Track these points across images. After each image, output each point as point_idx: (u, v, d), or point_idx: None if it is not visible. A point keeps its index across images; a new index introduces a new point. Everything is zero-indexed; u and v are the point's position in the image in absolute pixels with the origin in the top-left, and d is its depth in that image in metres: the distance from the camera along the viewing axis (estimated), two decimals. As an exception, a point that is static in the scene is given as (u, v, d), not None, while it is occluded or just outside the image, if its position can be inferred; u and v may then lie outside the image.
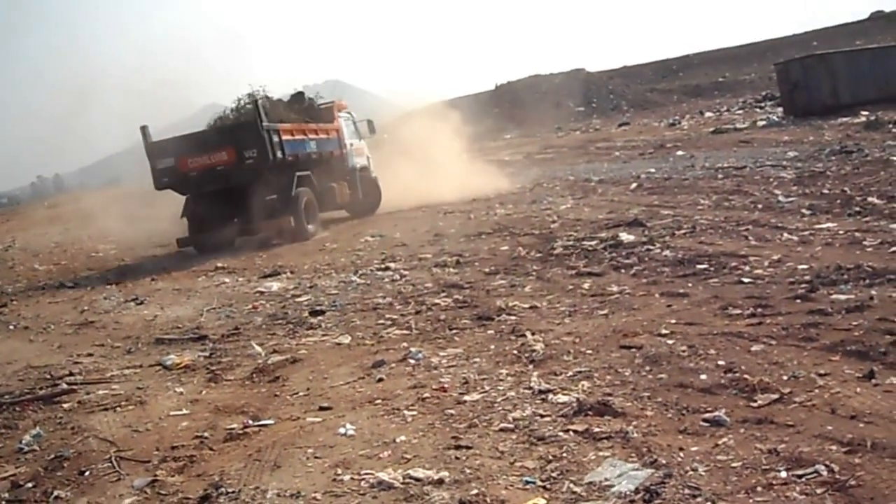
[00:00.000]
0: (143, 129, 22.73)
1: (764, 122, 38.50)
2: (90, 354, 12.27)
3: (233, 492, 6.45)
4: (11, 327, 15.93)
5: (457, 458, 6.49)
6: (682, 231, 14.59)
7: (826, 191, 17.29)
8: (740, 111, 51.56)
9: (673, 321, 9.39)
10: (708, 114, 52.67)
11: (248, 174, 22.29)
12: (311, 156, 24.59)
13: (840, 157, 22.26)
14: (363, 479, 6.33)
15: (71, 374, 11.09)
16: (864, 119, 30.85)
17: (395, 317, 11.66)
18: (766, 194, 17.72)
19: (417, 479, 6.15)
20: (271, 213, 22.56)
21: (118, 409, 9.25)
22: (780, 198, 17.02)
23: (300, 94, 27.07)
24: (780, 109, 42.99)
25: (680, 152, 29.36)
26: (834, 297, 9.49)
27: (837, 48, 45.04)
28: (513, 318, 10.59)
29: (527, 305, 11.11)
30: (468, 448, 6.64)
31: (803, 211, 15.38)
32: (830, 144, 25.26)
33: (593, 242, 14.70)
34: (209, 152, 22.41)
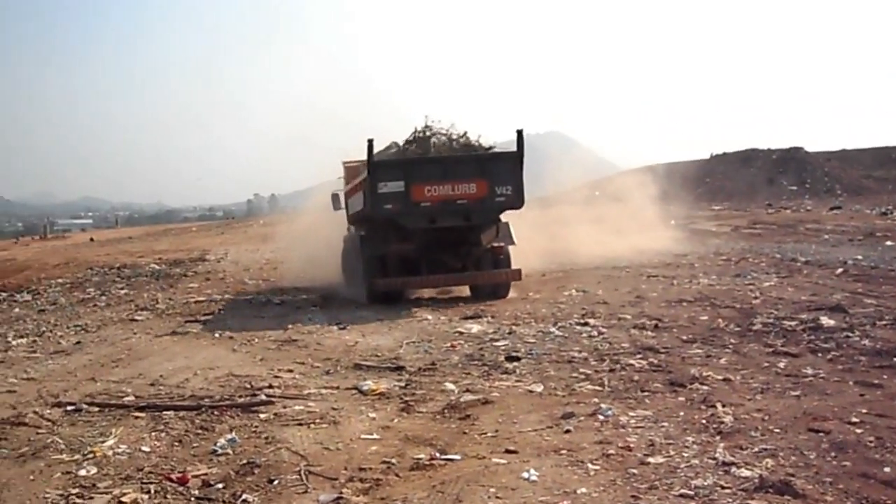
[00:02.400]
0: (370, 142, 18.91)
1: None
2: (290, 370, 12.66)
3: (414, 519, 6.52)
4: (217, 335, 16.59)
5: (635, 516, 6.40)
6: (884, 322, 14.08)
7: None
8: (959, 208, 49.51)
9: (864, 411, 9.11)
10: (924, 207, 50.93)
11: (492, 213, 19.68)
12: None
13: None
14: (541, 525, 6.32)
15: (270, 386, 11.46)
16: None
17: (588, 372, 11.59)
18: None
19: (595, 532, 6.11)
20: (496, 263, 20.41)
21: (312, 425, 9.51)
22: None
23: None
24: None
25: (889, 242, 28.42)
26: None
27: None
28: (705, 387, 10.41)
29: (720, 377, 10.90)
30: (647, 509, 6.56)
31: None
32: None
33: (793, 323, 14.32)
34: (453, 182, 19.05)
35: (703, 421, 8.99)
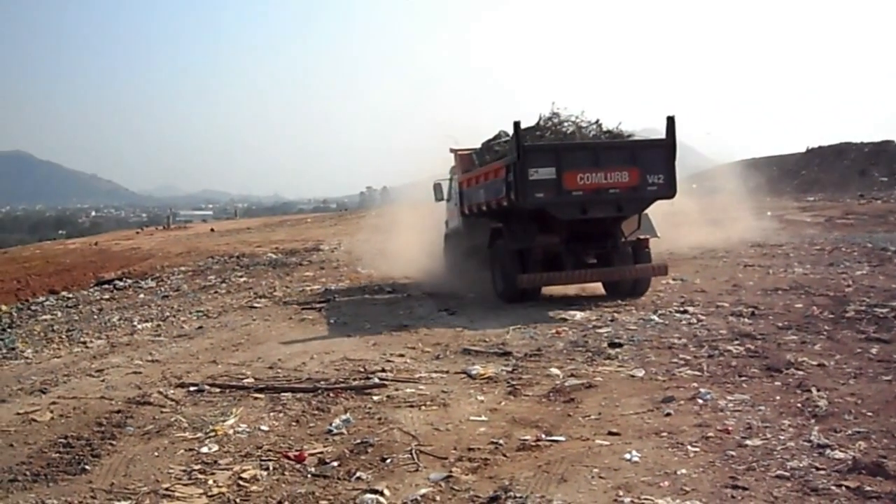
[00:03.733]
0: (517, 124, 17.00)
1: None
2: (401, 355, 12.96)
3: (520, 497, 6.71)
4: (332, 321, 16.95)
5: (732, 496, 6.55)
6: (975, 312, 13.84)
7: None
8: None
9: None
10: None
11: (644, 203, 17.92)
12: None
13: None
14: (642, 503, 6.49)
15: (383, 370, 11.75)
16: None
17: (688, 357, 11.65)
18: None
19: (693, 511, 6.22)
20: (637, 257, 18.53)
21: (423, 407, 9.76)
22: None
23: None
24: None
25: (979, 231, 27.75)
26: None
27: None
28: (800, 372, 10.43)
29: (815, 362, 10.88)
30: (744, 489, 6.67)
31: None
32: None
33: (885, 310, 14.13)
34: (606, 170, 17.17)
35: (799, 405, 9.05)
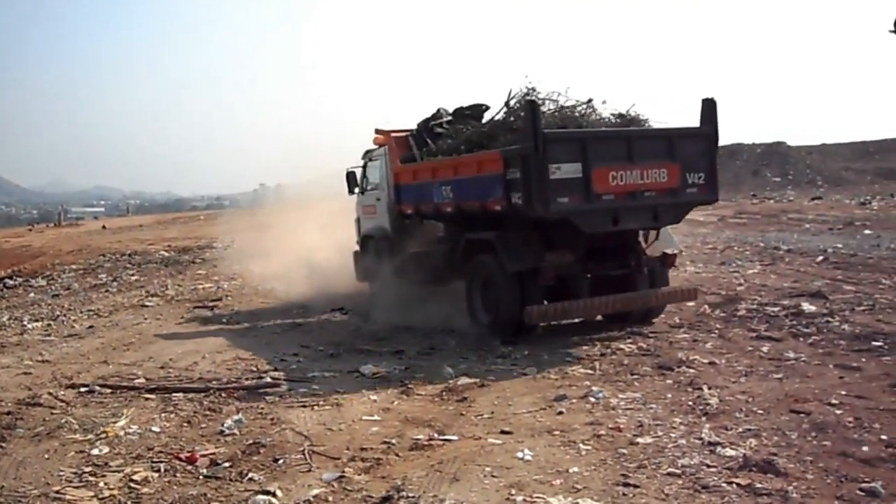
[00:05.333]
0: (531, 102, 12.93)
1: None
2: (295, 354, 12.83)
3: (413, 496, 6.66)
4: (224, 320, 16.72)
5: (624, 494, 6.58)
6: (862, 307, 14.12)
7: None
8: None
9: (843, 392, 9.31)
10: (899, 197, 50.94)
11: (683, 210, 13.92)
12: None
13: None
14: (535, 501, 6.46)
15: (276, 369, 11.62)
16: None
17: (580, 356, 11.76)
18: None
19: (585, 509, 6.24)
20: (657, 277, 14.54)
21: (315, 407, 9.62)
22: None
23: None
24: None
25: (868, 231, 28.32)
26: None
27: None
28: (692, 371, 10.57)
29: (706, 361, 11.03)
30: (635, 487, 6.72)
31: None
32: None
33: (776, 309, 14.37)
34: (641, 166, 12.96)
35: (690, 403, 9.15)
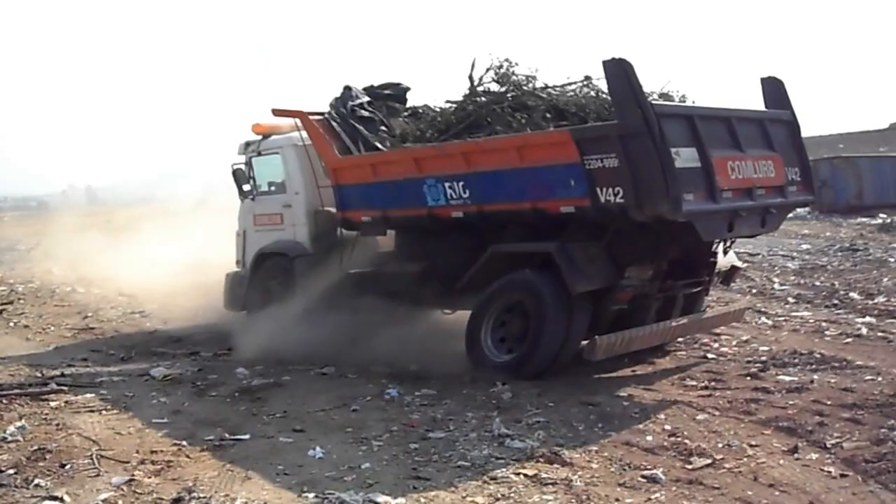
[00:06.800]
0: (622, 62, 9.33)
1: (791, 215, 37.81)
2: (84, 359, 12.38)
3: (204, 497, 6.56)
4: (12, 324, 16.04)
5: (415, 487, 6.67)
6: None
7: (818, 283, 17.49)
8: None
9: (633, 385, 9.73)
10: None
11: (785, 213, 11.74)
12: None
13: (845, 254, 22.23)
14: (326, 498, 6.47)
15: (62, 374, 11.15)
16: (880, 221, 30.86)
17: (378, 355, 11.65)
18: (765, 281, 17.89)
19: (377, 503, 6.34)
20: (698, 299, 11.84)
21: (104, 411, 9.35)
22: (776, 285, 17.29)
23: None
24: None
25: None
26: (780, 377, 9.95)
27: (862, 153, 44.59)
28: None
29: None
30: (426, 480, 6.83)
31: (789, 299, 15.69)
32: (842, 241, 25.19)
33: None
34: (754, 157, 10.27)
35: (483, 397, 9.35)
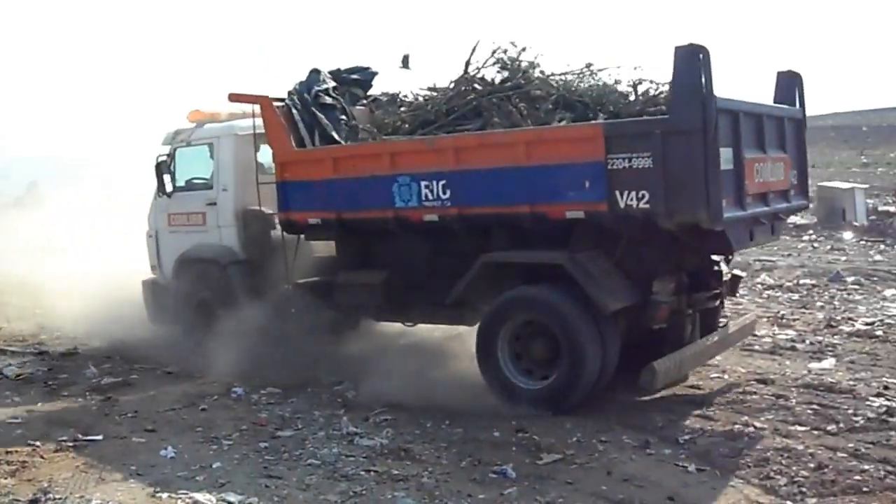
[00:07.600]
0: (695, 47, 8.00)
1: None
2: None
3: (59, 498, 6.67)
4: None
5: (266, 486, 6.87)
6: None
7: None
8: None
9: (478, 382, 9.25)
10: None
11: (787, 217, 11.41)
12: None
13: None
14: (180, 498, 6.65)
15: None
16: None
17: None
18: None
19: (230, 503, 6.54)
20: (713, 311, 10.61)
21: (-47, 413, 9.29)
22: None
23: None
24: None
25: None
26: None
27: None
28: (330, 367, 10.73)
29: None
30: (278, 478, 7.03)
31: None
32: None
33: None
34: (771, 157, 9.38)
35: (328, 396, 9.59)
